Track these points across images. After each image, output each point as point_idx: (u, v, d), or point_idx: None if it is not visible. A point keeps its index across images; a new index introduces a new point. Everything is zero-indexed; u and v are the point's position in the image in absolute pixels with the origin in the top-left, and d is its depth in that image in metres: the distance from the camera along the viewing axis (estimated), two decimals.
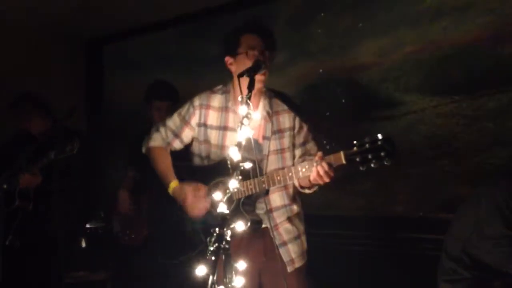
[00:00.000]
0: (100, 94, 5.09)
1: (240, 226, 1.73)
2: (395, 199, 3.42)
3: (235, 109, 2.26)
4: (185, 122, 2.37)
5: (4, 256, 2.91)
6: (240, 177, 1.67)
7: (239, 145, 1.70)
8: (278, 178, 2.07)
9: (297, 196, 2.38)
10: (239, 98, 1.78)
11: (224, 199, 1.64)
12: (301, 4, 3.88)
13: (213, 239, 1.58)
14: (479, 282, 2.42)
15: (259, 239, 2.28)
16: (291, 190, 2.33)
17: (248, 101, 1.75)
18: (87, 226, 3.89)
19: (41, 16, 4.27)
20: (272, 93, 2.32)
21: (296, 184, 2.26)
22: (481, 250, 2.41)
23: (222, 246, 1.58)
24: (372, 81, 3.51)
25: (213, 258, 1.56)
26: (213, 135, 2.29)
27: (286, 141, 2.26)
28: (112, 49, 5.06)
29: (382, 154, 1.81)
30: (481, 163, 3.10)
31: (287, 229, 2.29)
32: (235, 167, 1.67)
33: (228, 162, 1.68)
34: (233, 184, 1.65)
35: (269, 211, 2.25)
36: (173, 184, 2.30)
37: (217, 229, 1.60)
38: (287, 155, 2.26)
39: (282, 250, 2.26)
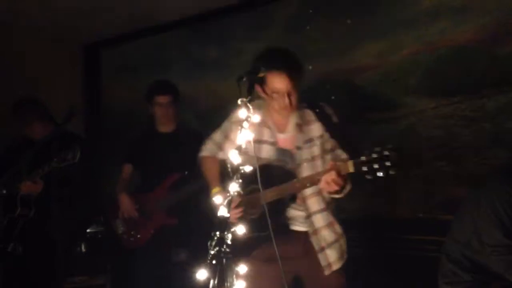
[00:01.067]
0: (98, 98, 5.08)
1: (240, 229, 1.73)
2: (394, 200, 3.42)
3: (270, 124, 2.41)
4: (225, 136, 2.55)
5: (5, 262, 2.90)
6: (240, 181, 1.68)
7: (239, 148, 1.71)
8: (297, 185, 2.23)
9: (331, 201, 2.46)
10: (239, 102, 1.78)
11: (225, 203, 1.65)
12: (299, 7, 3.89)
13: (213, 243, 1.58)
14: (479, 284, 2.42)
15: (299, 240, 2.39)
16: (326, 195, 2.41)
17: (248, 104, 1.76)
18: (87, 231, 3.88)
19: (39, 21, 4.27)
20: (304, 104, 2.41)
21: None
22: (480, 254, 2.41)
23: (223, 249, 1.58)
24: (370, 83, 3.51)
25: (213, 262, 1.56)
26: (250, 148, 2.36)
27: (317, 149, 2.36)
28: (111, 53, 5.06)
29: (388, 164, 1.90)
30: (480, 164, 3.10)
31: (325, 235, 2.39)
32: (235, 170, 1.67)
33: (229, 165, 1.68)
34: (233, 187, 1.65)
35: (309, 216, 2.37)
36: (214, 190, 2.48)
37: (217, 233, 1.60)
38: (319, 162, 2.35)
39: (320, 256, 2.37)
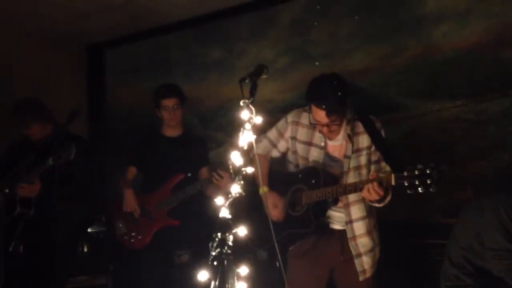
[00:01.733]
0: (101, 98, 5.09)
1: (242, 231, 1.73)
2: (396, 203, 3.40)
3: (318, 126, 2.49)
4: (280, 134, 2.66)
5: (7, 262, 2.90)
6: (242, 182, 1.68)
7: (240, 150, 1.70)
8: (340, 190, 2.34)
9: (373, 209, 2.56)
10: (241, 103, 1.78)
11: (226, 204, 1.64)
12: (302, 9, 3.89)
13: (215, 244, 1.58)
14: None
15: (336, 239, 2.51)
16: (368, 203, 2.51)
17: (250, 105, 1.75)
18: (89, 230, 3.88)
19: (42, 21, 4.28)
20: (356, 115, 2.51)
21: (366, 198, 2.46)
22: (482, 258, 2.40)
23: (224, 251, 1.58)
24: (373, 86, 3.51)
25: (215, 263, 1.55)
26: (300, 148, 2.58)
27: (363, 159, 2.48)
28: (114, 54, 5.07)
29: (429, 181, 2.00)
30: (483, 167, 3.09)
31: (364, 243, 2.49)
32: (237, 172, 1.67)
33: (231, 167, 1.67)
34: (235, 188, 1.65)
35: (349, 222, 2.47)
36: (262, 189, 2.60)
37: (219, 234, 1.60)
38: (364, 171, 2.47)
39: (356, 261, 2.47)
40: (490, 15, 3.10)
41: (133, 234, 3.31)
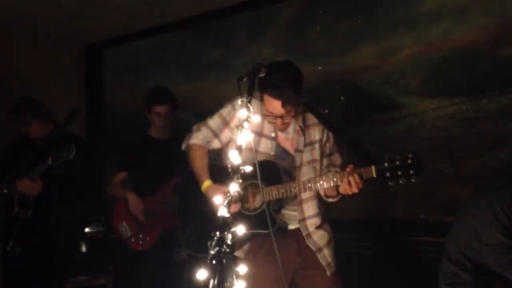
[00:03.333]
0: (100, 98, 5.10)
1: (240, 229, 1.72)
2: (395, 201, 3.41)
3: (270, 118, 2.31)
4: (225, 123, 2.43)
5: (5, 262, 2.90)
6: (240, 181, 1.67)
7: (239, 148, 1.70)
8: (309, 185, 2.21)
9: (322, 204, 2.48)
10: (239, 102, 1.78)
11: (225, 203, 1.64)
12: (300, 8, 3.89)
13: (213, 243, 1.58)
14: (480, 285, 2.42)
15: (292, 239, 2.38)
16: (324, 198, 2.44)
17: (248, 104, 1.75)
18: (87, 230, 3.88)
19: (41, 21, 4.28)
20: (306, 107, 2.40)
21: (321, 193, 2.39)
22: (480, 254, 2.41)
23: (223, 249, 1.57)
24: (372, 84, 3.51)
25: (213, 262, 1.55)
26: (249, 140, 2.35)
27: (317, 153, 2.38)
28: (112, 54, 5.07)
29: (411, 172, 1.98)
30: (481, 165, 3.10)
31: (321, 235, 2.40)
32: (236, 170, 1.67)
33: (229, 165, 1.67)
34: (233, 187, 1.65)
35: (303, 220, 2.38)
36: (206, 183, 2.38)
37: (217, 233, 1.60)
38: (318, 165, 2.38)
39: (319, 255, 2.37)
40: (488, 13, 3.10)
41: (140, 236, 3.30)
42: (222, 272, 1.60)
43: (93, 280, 3.66)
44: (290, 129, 2.36)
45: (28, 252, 2.98)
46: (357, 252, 3.35)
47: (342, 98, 3.61)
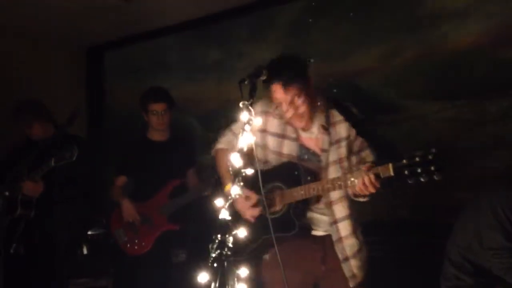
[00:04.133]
0: (101, 100, 5.09)
1: (242, 232, 1.72)
2: (397, 203, 3.41)
3: (292, 122, 2.27)
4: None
5: (6, 263, 2.91)
6: (242, 183, 1.67)
7: (241, 151, 1.70)
8: (328, 186, 2.10)
9: (354, 205, 2.33)
10: (240, 105, 1.78)
11: (226, 205, 1.64)
12: (301, 10, 3.89)
13: (215, 246, 1.58)
14: (481, 287, 2.42)
15: (318, 246, 2.28)
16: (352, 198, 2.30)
17: (250, 107, 1.75)
18: (89, 232, 3.87)
19: (42, 23, 4.29)
20: (331, 103, 2.30)
21: (349, 192, 2.22)
22: (481, 257, 2.41)
23: (224, 252, 1.57)
24: (373, 86, 3.51)
25: (215, 265, 1.55)
26: (272, 141, 2.32)
27: (344, 151, 2.24)
28: (114, 56, 5.07)
29: (432, 168, 1.78)
30: (483, 167, 3.10)
31: (351, 244, 2.26)
32: (237, 173, 1.67)
33: (230, 168, 1.67)
34: (235, 190, 1.65)
35: (334, 223, 2.24)
36: (228, 187, 2.29)
37: (219, 236, 1.60)
38: (345, 164, 2.23)
39: (344, 266, 2.24)
40: (489, 15, 3.10)
41: (136, 241, 3.29)
42: (223, 275, 1.60)
43: (94, 282, 3.66)
44: (314, 129, 2.26)
45: (30, 253, 2.98)
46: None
47: (343, 100, 3.60)
